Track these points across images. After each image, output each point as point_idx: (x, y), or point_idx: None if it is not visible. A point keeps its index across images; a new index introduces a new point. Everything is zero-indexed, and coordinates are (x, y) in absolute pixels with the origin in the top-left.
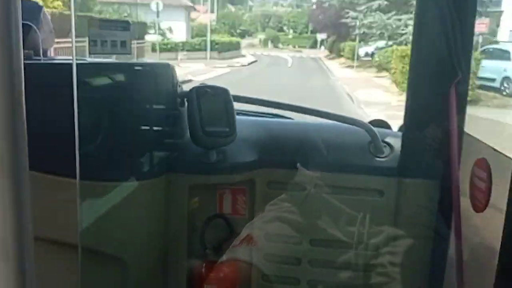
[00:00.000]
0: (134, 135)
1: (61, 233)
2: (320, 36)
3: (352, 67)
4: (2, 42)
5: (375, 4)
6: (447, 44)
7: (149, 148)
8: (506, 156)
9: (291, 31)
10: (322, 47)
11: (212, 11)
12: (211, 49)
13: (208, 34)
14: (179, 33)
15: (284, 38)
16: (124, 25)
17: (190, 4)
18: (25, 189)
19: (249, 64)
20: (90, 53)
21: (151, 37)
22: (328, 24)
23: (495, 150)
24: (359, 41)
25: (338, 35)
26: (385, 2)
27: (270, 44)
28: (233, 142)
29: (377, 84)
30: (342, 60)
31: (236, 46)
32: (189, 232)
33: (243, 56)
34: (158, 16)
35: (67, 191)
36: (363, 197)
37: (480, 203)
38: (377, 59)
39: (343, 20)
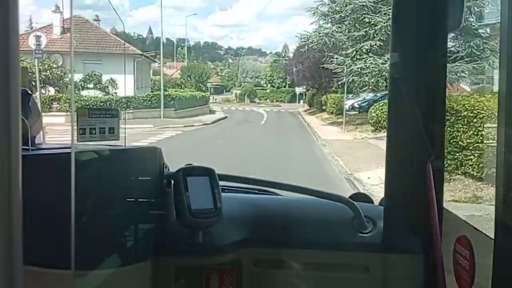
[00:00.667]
0: (121, 219)
1: None
2: (298, 90)
3: (337, 123)
4: (1, 134)
5: (365, 46)
6: (420, 124)
7: (136, 231)
8: (486, 235)
9: (268, 85)
10: (301, 101)
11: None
12: (168, 106)
13: (161, 87)
14: (127, 87)
15: (262, 92)
16: (113, 112)
17: (139, 52)
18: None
19: (215, 122)
20: (78, 141)
21: (89, 93)
22: (307, 76)
23: (475, 228)
24: (347, 92)
25: (319, 86)
26: (378, 43)
27: (247, 99)
28: (219, 222)
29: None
30: (325, 115)
31: (202, 102)
32: None
33: (212, 112)
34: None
35: (51, 283)
36: (349, 274)
37: (465, 282)
38: (373, 114)
39: (327, 66)
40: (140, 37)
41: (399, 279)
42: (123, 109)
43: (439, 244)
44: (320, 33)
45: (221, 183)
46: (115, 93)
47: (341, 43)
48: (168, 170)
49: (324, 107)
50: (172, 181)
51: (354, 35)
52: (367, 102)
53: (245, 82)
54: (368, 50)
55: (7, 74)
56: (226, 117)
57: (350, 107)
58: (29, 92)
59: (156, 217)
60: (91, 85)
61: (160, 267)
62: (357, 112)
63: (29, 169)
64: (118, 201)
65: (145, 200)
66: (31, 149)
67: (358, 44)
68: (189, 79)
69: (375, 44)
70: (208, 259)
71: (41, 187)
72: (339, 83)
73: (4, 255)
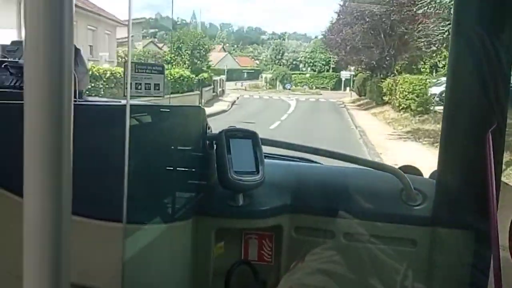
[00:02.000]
0: (164, 177)
1: (85, 277)
2: (344, 75)
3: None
4: (54, 84)
5: None
6: (483, 91)
7: (178, 191)
8: None
9: (308, 69)
10: (347, 88)
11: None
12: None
13: (129, 65)
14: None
15: (299, 77)
16: (159, 68)
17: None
18: (66, 233)
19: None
20: (124, 95)
21: None
22: (358, 47)
23: None
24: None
25: (376, 65)
26: None
27: (279, 85)
28: (261, 186)
29: None
30: (390, 112)
31: (200, 86)
32: (213, 277)
33: (209, 104)
34: None
35: (94, 233)
36: (396, 247)
37: None
38: None
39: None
40: (184, 21)
41: (447, 254)
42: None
43: (495, 220)
44: None
45: (264, 149)
46: None
47: None
48: (211, 131)
49: (386, 98)
50: (215, 143)
51: None
52: None
53: (279, 65)
54: None
55: (61, 27)
56: (224, 111)
57: (437, 98)
58: (77, 47)
59: (199, 177)
60: None
61: (201, 227)
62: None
63: (79, 119)
64: (163, 159)
65: (189, 159)
66: (79, 101)
67: None
68: (180, 52)
69: None
70: (248, 223)
71: (92, 136)
72: (428, 52)
73: (52, 206)
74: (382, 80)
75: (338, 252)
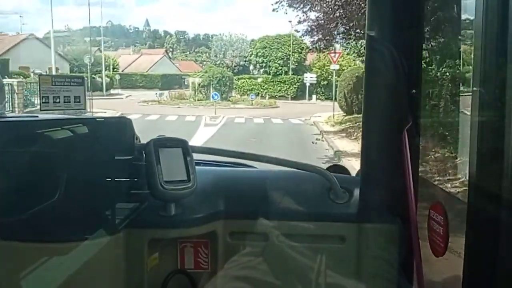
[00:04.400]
0: (90, 191)
1: None
2: (309, 79)
3: None
4: None
5: None
6: (396, 93)
7: (107, 204)
8: (460, 199)
9: (261, 71)
10: (314, 97)
11: None
12: None
13: None
14: None
15: (248, 83)
16: (78, 80)
17: None
18: None
19: None
20: (41, 110)
21: None
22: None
23: (449, 194)
24: None
25: None
26: None
27: (214, 94)
28: (192, 194)
29: None
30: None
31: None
32: None
33: None
34: None
35: (18, 256)
36: (325, 244)
37: (439, 247)
38: None
39: None
40: (137, 29)
41: (375, 249)
42: None
43: (414, 213)
44: None
45: (195, 156)
46: None
47: None
48: (139, 141)
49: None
50: (144, 153)
51: None
52: None
53: (214, 65)
54: None
55: None
56: None
57: None
58: None
59: (128, 189)
60: None
61: (133, 239)
62: None
63: None
64: (87, 173)
65: (117, 172)
66: None
67: None
68: None
69: None
70: (182, 231)
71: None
72: None
73: None
74: None
75: (263, 256)
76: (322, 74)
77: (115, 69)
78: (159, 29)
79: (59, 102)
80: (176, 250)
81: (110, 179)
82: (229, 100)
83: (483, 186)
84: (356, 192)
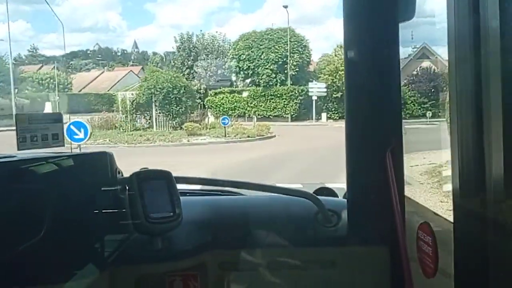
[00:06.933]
0: (74, 229)
1: None
2: (317, 89)
3: None
4: None
5: None
6: (378, 117)
7: (91, 242)
8: (446, 219)
9: (247, 81)
10: (324, 116)
11: None
12: None
13: None
14: None
15: (230, 98)
16: (54, 117)
17: None
18: None
19: None
20: (18, 149)
21: None
22: None
23: (435, 214)
24: None
25: None
26: None
27: (166, 121)
28: (178, 226)
29: None
30: None
31: None
32: None
33: None
34: None
35: None
36: (316, 270)
37: (429, 268)
38: None
39: None
40: (125, 51)
41: (366, 272)
42: None
43: (402, 233)
44: None
45: (180, 186)
46: None
47: None
48: (122, 175)
49: None
50: (127, 187)
51: None
52: None
53: (192, 77)
54: None
55: None
56: None
57: None
58: None
59: (112, 225)
60: None
61: (119, 277)
62: None
63: None
64: (68, 211)
65: (99, 208)
66: None
67: None
68: None
69: None
70: (170, 265)
71: None
72: None
73: None
74: None
75: (255, 286)
76: (334, 82)
77: (66, 89)
78: (147, 51)
79: (36, 140)
80: (165, 285)
81: (92, 216)
82: (184, 128)
83: (468, 206)
84: (344, 214)
